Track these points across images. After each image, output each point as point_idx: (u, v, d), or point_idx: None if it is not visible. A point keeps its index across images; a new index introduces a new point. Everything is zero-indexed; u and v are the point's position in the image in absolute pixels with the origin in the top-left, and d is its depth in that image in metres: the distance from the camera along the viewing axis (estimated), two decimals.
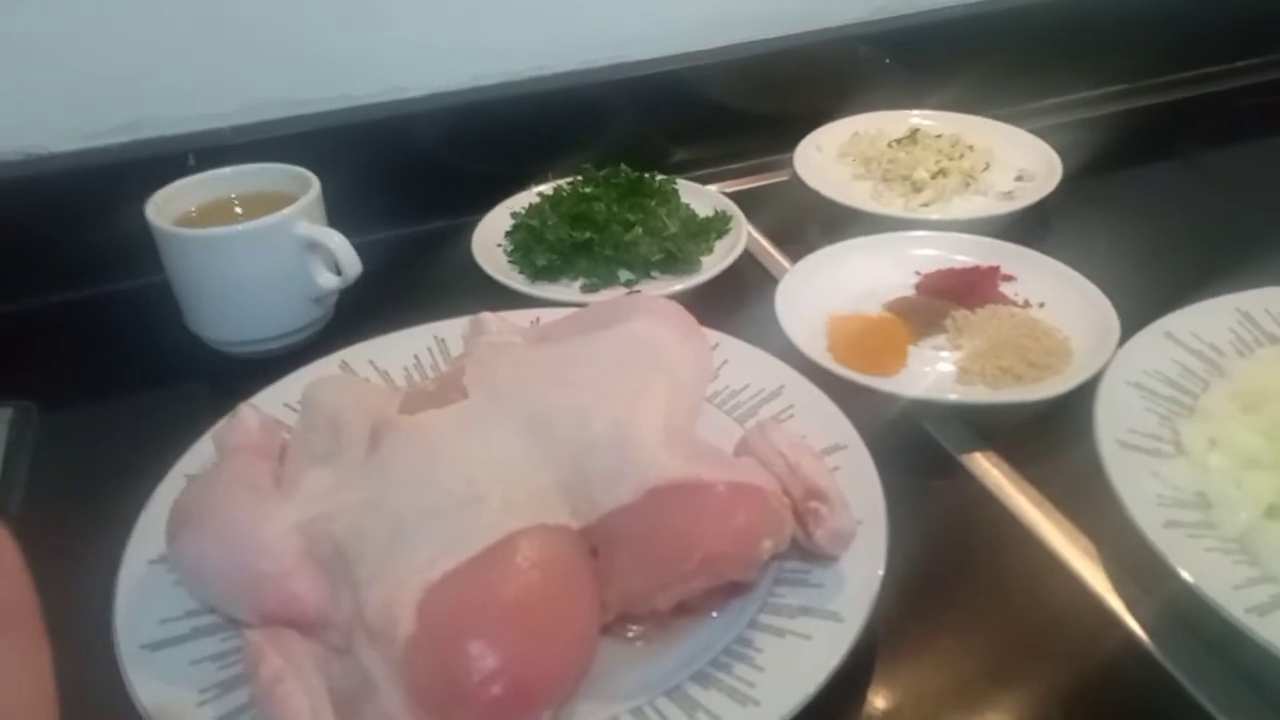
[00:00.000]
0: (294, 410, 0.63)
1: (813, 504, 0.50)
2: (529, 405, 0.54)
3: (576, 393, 0.54)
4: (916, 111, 1.00)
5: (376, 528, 0.48)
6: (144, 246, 0.73)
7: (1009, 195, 0.87)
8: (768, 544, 0.47)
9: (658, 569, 0.47)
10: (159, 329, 0.76)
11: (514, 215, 0.88)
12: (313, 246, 0.73)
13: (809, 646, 0.46)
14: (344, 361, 0.68)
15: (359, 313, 0.77)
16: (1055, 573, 0.55)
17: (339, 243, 0.72)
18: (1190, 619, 0.51)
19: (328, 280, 0.74)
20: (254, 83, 0.87)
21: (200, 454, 0.60)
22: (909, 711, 0.49)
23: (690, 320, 0.62)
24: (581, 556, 0.48)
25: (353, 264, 0.72)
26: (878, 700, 0.49)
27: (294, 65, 0.88)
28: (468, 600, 0.44)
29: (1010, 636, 0.52)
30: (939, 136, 0.93)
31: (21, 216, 0.80)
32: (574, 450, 0.51)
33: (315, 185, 0.74)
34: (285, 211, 0.71)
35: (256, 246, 0.70)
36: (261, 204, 0.74)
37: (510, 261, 0.83)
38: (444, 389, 0.58)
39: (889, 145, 0.93)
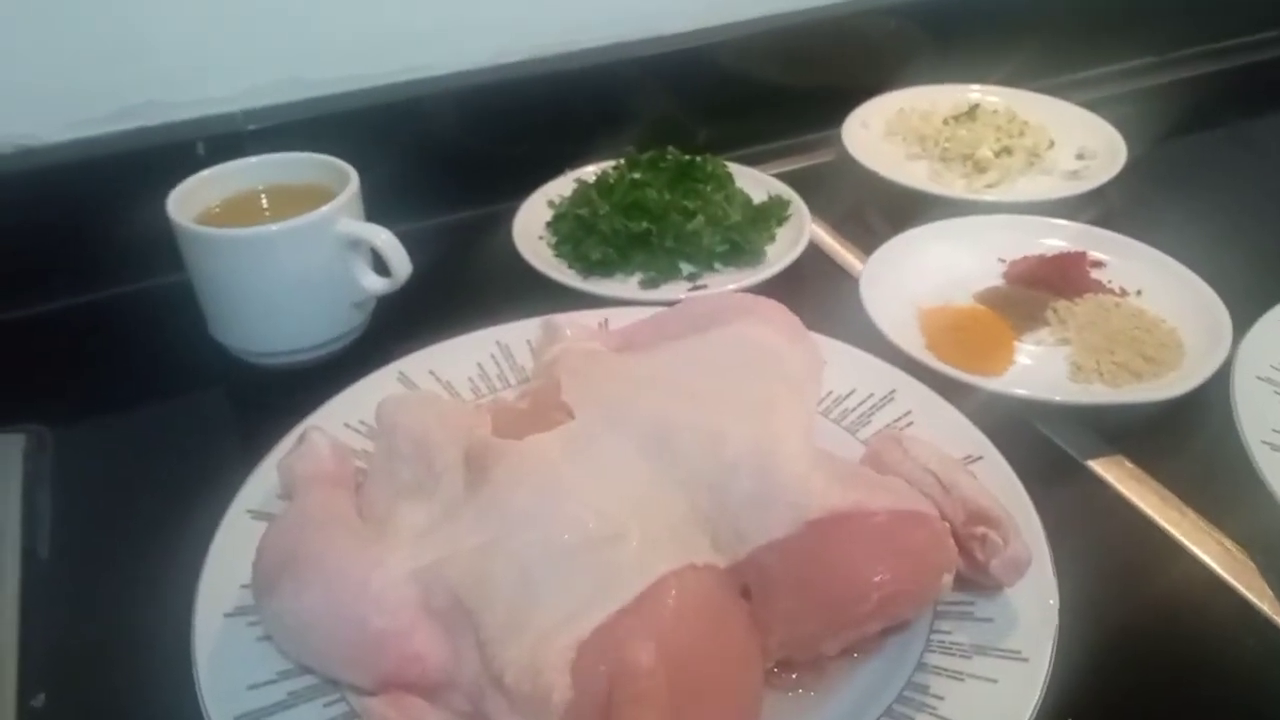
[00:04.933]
0: (357, 431, 0.57)
1: (979, 529, 0.45)
2: (648, 425, 0.48)
3: (701, 408, 0.48)
4: (966, 86, 0.95)
5: (502, 574, 0.42)
6: (155, 245, 0.66)
7: (1075, 175, 0.83)
8: (947, 578, 0.43)
9: (829, 612, 0.42)
10: (177, 337, 0.69)
11: (552, 203, 0.82)
12: (355, 245, 0.66)
13: (996, 692, 0.42)
14: (402, 373, 0.61)
15: (396, 316, 0.70)
16: (1213, 587, 0.52)
17: (386, 240, 0.65)
18: None
19: (373, 283, 0.67)
20: (260, 62, 0.79)
21: (260, 486, 0.53)
22: None
23: (796, 321, 0.57)
24: (736, 600, 0.43)
25: (403, 264, 0.65)
26: None
27: (303, 43, 0.80)
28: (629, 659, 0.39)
29: (1184, 663, 0.49)
30: (996, 112, 0.89)
31: (15, 214, 0.71)
32: (709, 476, 0.45)
33: (354, 177, 0.67)
34: (326, 208, 0.64)
35: (296, 247, 0.63)
36: (291, 198, 0.67)
37: (557, 255, 0.76)
38: (540, 406, 0.52)
39: (945, 122, 0.88)
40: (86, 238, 0.74)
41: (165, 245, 0.65)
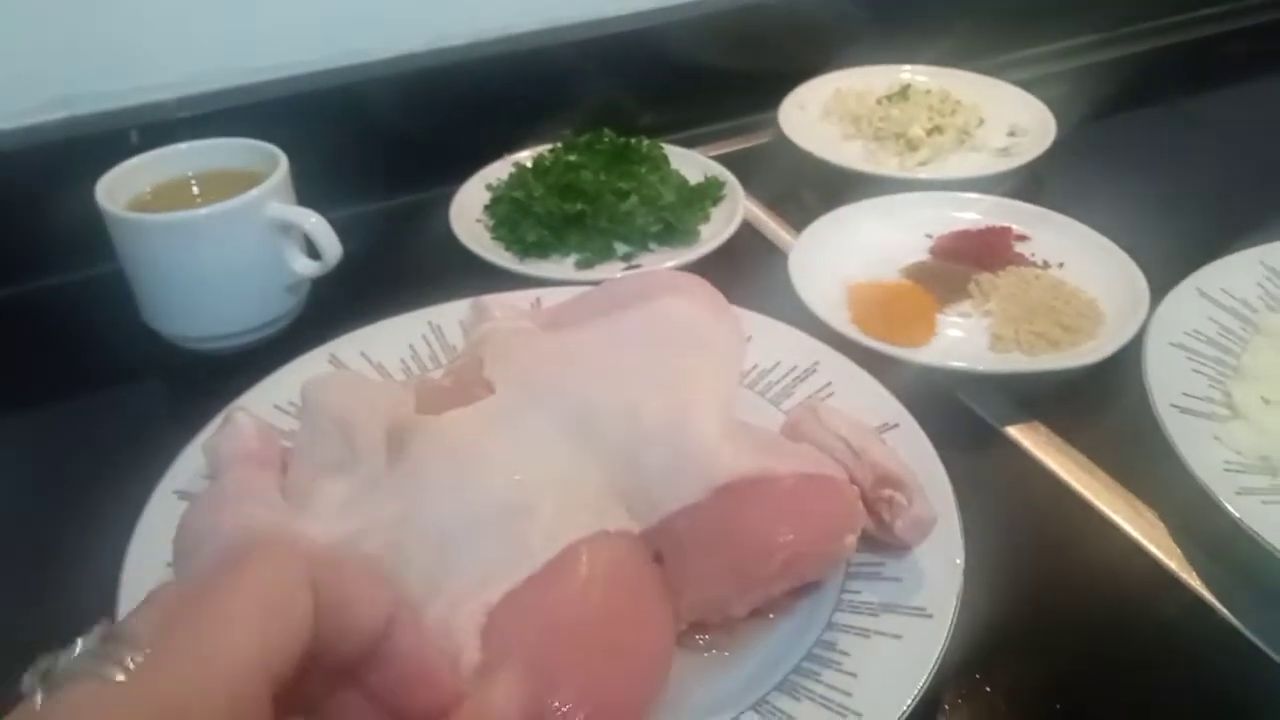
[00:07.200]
0: (285, 413, 0.57)
1: (886, 491, 0.46)
2: (568, 399, 0.49)
3: (618, 383, 0.49)
4: (900, 67, 0.96)
5: (418, 545, 0.43)
6: (89, 234, 0.65)
7: (1005, 152, 0.85)
8: (850, 539, 0.44)
9: (737, 574, 0.43)
10: (112, 325, 0.69)
11: (490, 187, 0.82)
12: (286, 229, 0.66)
13: (901, 646, 0.43)
14: (333, 355, 0.62)
15: (333, 300, 0.71)
16: (1124, 548, 0.53)
17: (316, 224, 0.65)
18: (1270, 585, 0.49)
19: (304, 266, 0.67)
20: (197, 50, 0.79)
21: (187, 467, 0.53)
22: (1005, 704, 0.46)
23: (720, 297, 0.58)
24: (648, 565, 0.44)
25: (333, 247, 0.66)
26: (970, 697, 0.46)
27: (238, 29, 0.80)
28: (536, 622, 0.40)
29: (1093, 620, 0.50)
30: (928, 92, 0.90)
31: None
32: (625, 447, 0.46)
33: (283, 161, 0.67)
34: (254, 191, 0.64)
35: (224, 231, 0.63)
36: (222, 183, 0.67)
37: (494, 238, 0.77)
38: (463, 384, 0.53)
39: (878, 102, 0.89)
40: (19, 229, 0.73)
41: (99, 235, 0.65)
